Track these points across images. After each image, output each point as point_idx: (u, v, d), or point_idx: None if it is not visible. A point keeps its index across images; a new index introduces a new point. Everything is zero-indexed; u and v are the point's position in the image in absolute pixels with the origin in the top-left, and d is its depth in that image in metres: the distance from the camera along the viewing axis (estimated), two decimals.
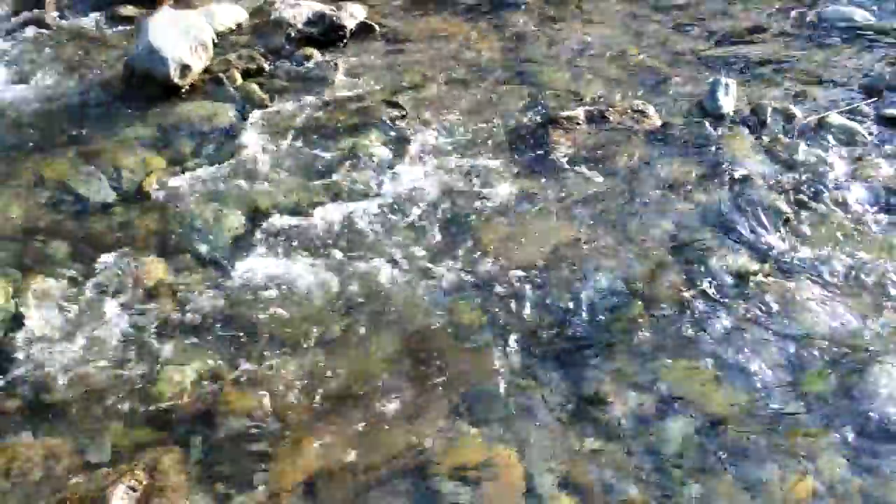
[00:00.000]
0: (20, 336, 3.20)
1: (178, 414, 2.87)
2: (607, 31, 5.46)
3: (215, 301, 3.31)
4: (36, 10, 6.25)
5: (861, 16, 5.53)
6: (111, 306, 3.32)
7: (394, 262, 3.44)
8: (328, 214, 3.74)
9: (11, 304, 3.37)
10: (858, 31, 5.34)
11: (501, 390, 2.89)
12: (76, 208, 3.92)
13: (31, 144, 4.46)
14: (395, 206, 3.77)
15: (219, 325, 3.21)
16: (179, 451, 2.73)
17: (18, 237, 3.76)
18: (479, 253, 3.48)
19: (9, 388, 3.00)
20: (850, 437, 2.68)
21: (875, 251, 3.42)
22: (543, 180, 3.90)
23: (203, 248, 3.61)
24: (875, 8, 5.69)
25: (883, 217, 3.62)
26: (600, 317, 3.16)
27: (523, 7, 5.87)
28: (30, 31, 5.93)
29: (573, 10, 5.80)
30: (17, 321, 3.27)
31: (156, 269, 3.50)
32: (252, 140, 4.30)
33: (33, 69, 5.29)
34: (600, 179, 3.90)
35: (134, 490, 2.59)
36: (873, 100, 4.48)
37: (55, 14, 6.19)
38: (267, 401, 2.87)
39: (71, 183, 4.08)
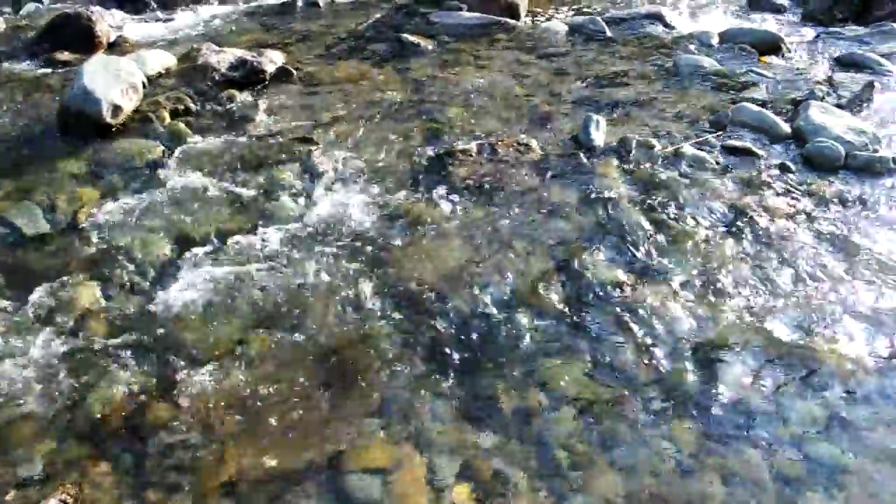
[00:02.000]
0: None
1: (107, 430, 2.69)
2: (497, 75, 5.49)
3: (143, 323, 3.15)
4: None
5: (709, 63, 5.72)
6: (45, 330, 3.11)
7: (309, 283, 3.34)
8: (248, 240, 3.61)
9: None
10: (707, 76, 5.52)
11: (406, 395, 2.82)
12: (12, 239, 3.68)
13: None
14: (310, 232, 3.67)
15: (147, 346, 3.04)
16: (109, 465, 2.57)
17: None
18: (386, 273, 3.41)
19: None
20: (708, 419, 2.71)
21: (722, 260, 3.50)
22: (442, 206, 3.87)
23: (132, 274, 3.43)
24: (720, 56, 5.91)
25: (728, 231, 3.71)
26: (493, 326, 3.14)
27: (425, 55, 5.88)
28: None
29: (468, 58, 5.83)
30: None
31: (88, 294, 3.30)
32: (179, 174, 4.13)
33: None
34: (492, 204, 3.88)
35: (65, 503, 2.43)
36: (719, 133, 4.62)
37: None
38: (192, 414, 2.74)
39: (7, 216, 3.83)
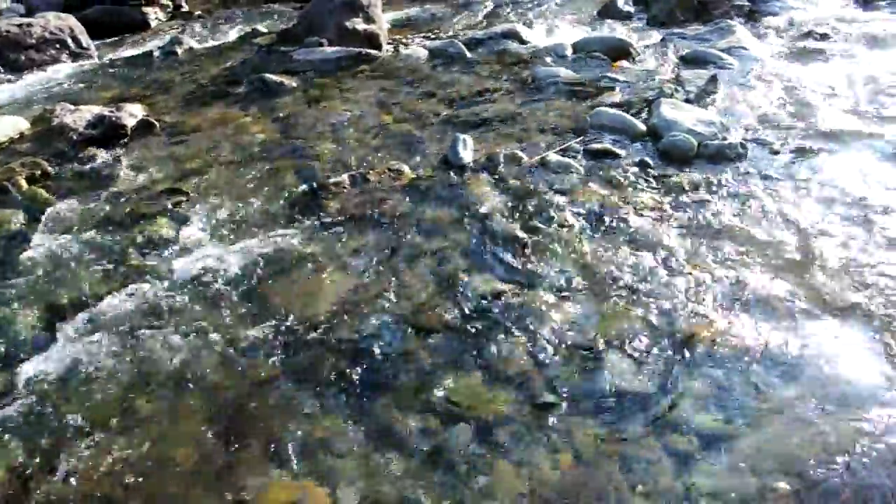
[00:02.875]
0: None
1: None
2: (364, 105, 5.58)
3: (14, 401, 3.00)
4: None
5: (565, 73, 6.01)
6: None
7: (192, 334, 3.28)
8: (123, 300, 3.51)
9: None
10: (564, 86, 5.79)
11: (304, 431, 2.81)
12: None
13: None
14: (188, 283, 3.60)
15: (24, 425, 2.90)
16: None
17: None
18: (271, 313, 3.39)
19: None
20: (600, 411, 2.83)
21: (594, 257, 3.67)
22: (321, 241, 3.88)
23: (1, 351, 3.27)
24: (575, 66, 6.22)
25: (596, 230, 3.89)
26: (383, 351, 3.17)
27: (290, 92, 5.90)
28: None
29: (333, 91, 5.89)
30: None
31: None
32: (41, 239, 3.97)
33: None
34: (369, 232, 3.93)
35: None
36: (580, 138, 4.84)
37: None
38: (81, 489, 2.62)
39: None
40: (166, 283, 3.61)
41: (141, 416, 2.91)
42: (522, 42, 7.08)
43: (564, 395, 2.91)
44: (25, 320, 3.42)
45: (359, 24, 7.40)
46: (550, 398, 2.91)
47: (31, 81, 6.73)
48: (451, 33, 7.71)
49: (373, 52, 6.98)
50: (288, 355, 3.17)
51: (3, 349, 3.27)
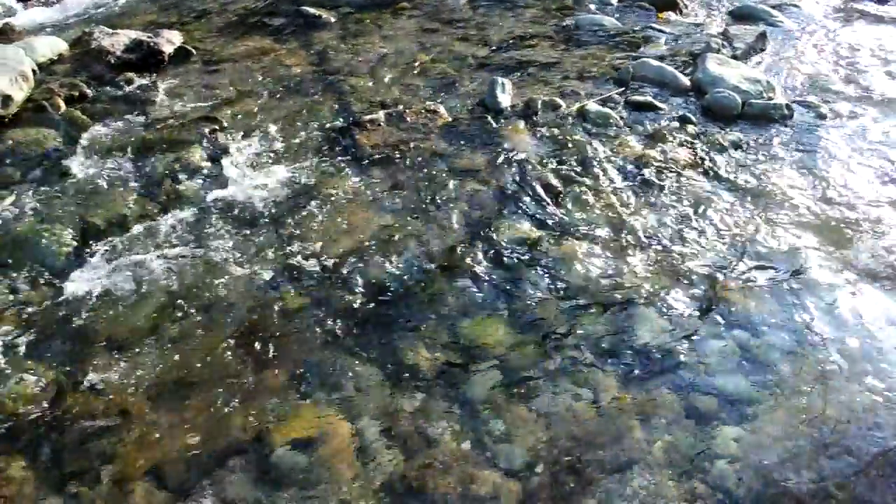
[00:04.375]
0: None
1: (23, 424, 2.65)
2: (402, 43, 5.50)
3: (55, 314, 3.08)
4: None
5: (609, 22, 5.88)
6: None
7: (223, 260, 3.33)
8: (157, 224, 3.56)
9: None
10: (607, 35, 5.67)
11: (327, 363, 2.87)
12: None
13: None
14: (220, 212, 3.64)
15: (60, 336, 2.99)
16: (26, 458, 2.54)
17: None
18: (300, 245, 3.42)
19: None
20: (625, 363, 2.85)
21: (630, 211, 3.65)
22: (353, 177, 3.89)
23: (39, 266, 3.34)
24: (618, 15, 6.07)
25: (633, 184, 3.86)
26: (410, 290, 3.20)
27: (327, 26, 5.83)
28: None
29: (371, 27, 5.81)
30: None
31: None
32: (79, 161, 4.02)
33: None
34: (402, 172, 3.92)
35: None
36: (622, 90, 4.76)
37: None
38: (110, 401, 2.71)
39: None
40: (199, 210, 3.65)
41: (169, 336, 2.99)
42: None
43: (590, 346, 2.93)
44: (64, 238, 3.49)
45: None
46: (577, 347, 2.92)
47: (69, 3, 6.70)
48: None
49: None
50: (316, 287, 3.21)
51: (43, 264, 3.35)
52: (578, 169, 3.93)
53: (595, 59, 5.24)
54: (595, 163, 3.98)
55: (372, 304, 3.13)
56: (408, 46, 5.45)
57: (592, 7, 6.31)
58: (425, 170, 3.94)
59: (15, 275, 3.32)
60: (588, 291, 3.18)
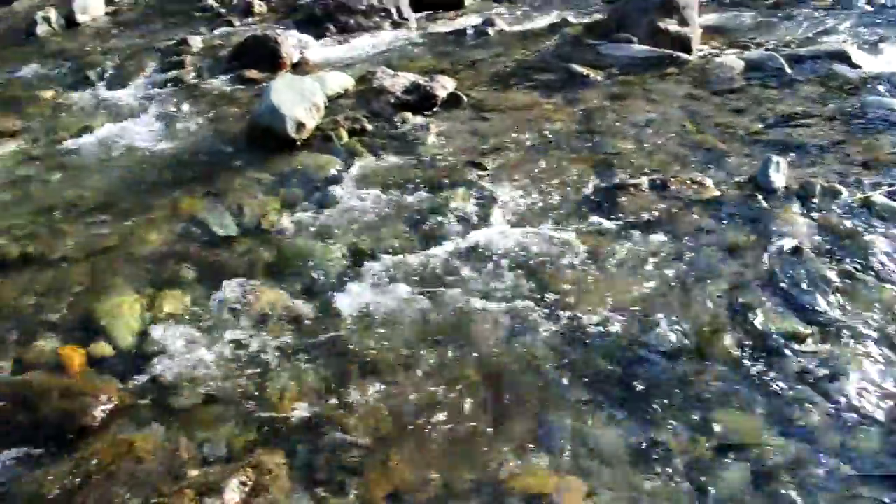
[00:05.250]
0: (152, 345, 3.31)
1: (283, 423, 2.90)
2: (668, 109, 5.44)
3: (320, 326, 3.37)
4: (177, 71, 6.55)
5: None
6: (230, 325, 3.40)
7: (476, 303, 3.44)
8: (418, 258, 3.77)
9: (147, 316, 3.48)
10: None
11: (569, 422, 2.85)
12: (204, 239, 4.06)
13: (169, 182, 4.66)
14: (478, 255, 3.78)
15: (322, 347, 3.25)
16: (284, 455, 2.76)
17: (155, 260, 3.90)
18: (553, 300, 3.45)
19: (140, 389, 3.09)
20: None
21: None
22: (611, 239, 3.87)
23: (310, 280, 3.67)
24: None
25: None
26: (661, 366, 3.10)
27: (594, 85, 5.91)
28: (171, 88, 6.22)
29: (637, 90, 5.80)
30: (151, 333, 3.38)
31: (269, 295, 3.57)
32: (355, 189, 4.39)
33: (173, 120, 5.54)
34: (663, 242, 3.83)
35: (245, 485, 2.62)
36: None
37: (192, 74, 6.47)
38: (362, 418, 2.89)
39: (201, 217, 4.23)
40: (459, 249, 3.82)
41: (420, 366, 3.13)
42: (852, 65, 6.45)
43: (859, 467, 2.65)
44: (334, 257, 3.81)
45: (671, 26, 7.21)
46: (843, 461, 2.66)
47: (356, 44, 7.39)
48: (769, 45, 7.26)
49: (683, 55, 6.76)
50: (562, 344, 3.21)
51: (314, 279, 3.68)
52: (860, 265, 3.61)
53: (883, 146, 4.83)
54: (880, 261, 3.64)
55: (620, 372, 3.07)
56: (674, 113, 5.37)
57: (882, 89, 5.84)
58: (687, 242, 3.82)
59: (289, 284, 3.67)
60: (862, 407, 2.88)
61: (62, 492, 2.66)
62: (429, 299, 3.47)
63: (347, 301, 3.50)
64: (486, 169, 4.56)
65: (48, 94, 6.43)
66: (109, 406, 3.00)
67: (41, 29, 8.25)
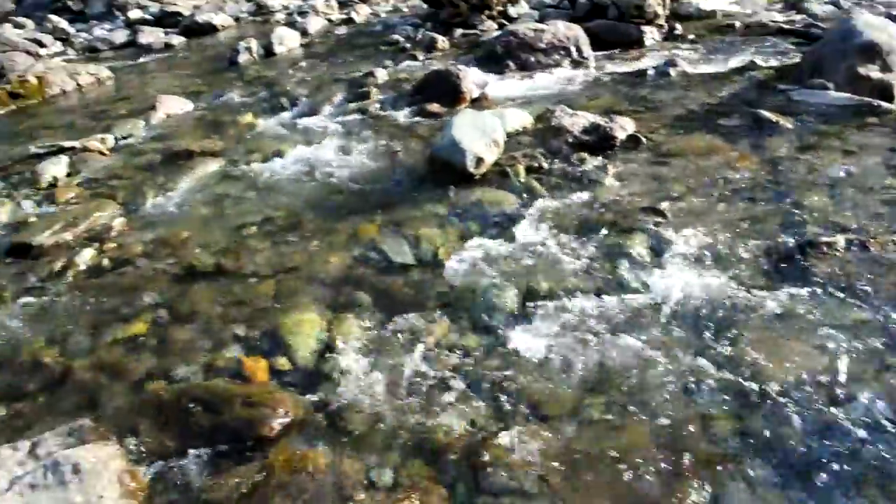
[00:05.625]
0: (328, 365, 3.45)
1: (447, 457, 2.92)
2: (867, 161, 5.06)
3: (488, 362, 3.38)
4: (362, 101, 6.89)
5: None
6: (402, 353, 3.49)
7: (650, 354, 3.33)
8: (592, 301, 3.71)
9: (325, 336, 3.64)
10: None
11: (748, 499, 2.67)
12: (381, 265, 4.21)
13: (350, 207, 4.89)
14: (654, 303, 3.66)
15: (489, 384, 3.26)
16: (446, 491, 2.78)
17: (334, 282, 4.08)
18: (734, 360, 3.27)
19: (314, 406, 3.23)
20: None
21: None
22: (801, 302, 3.61)
23: (482, 315, 3.71)
24: None
25: None
26: (854, 447, 2.84)
27: (783, 133, 5.62)
28: (356, 118, 6.55)
29: (831, 140, 5.45)
30: (328, 352, 3.53)
31: (441, 327, 3.64)
32: (530, 227, 4.40)
33: (356, 148, 5.82)
34: (861, 309, 3.53)
35: None
36: None
37: (377, 106, 6.79)
38: (525, 460, 2.86)
39: (379, 244, 4.39)
40: (633, 296, 3.72)
41: (586, 416, 3.05)
42: None
43: None
44: (506, 294, 3.82)
45: (873, 72, 6.73)
46: None
47: (535, 81, 7.48)
48: None
49: (884, 104, 6.29)
50: (742, 408, 3.03)
51: (486, 314, 3.71)
52: None
53: None
54: None
55: (807, 447, 2.84)
56: (874, 166, 4.99)
57: None
58: (889, 312, 3.51)
59: (459, 317, 3.72)
60: None
61: (239, 496, 2.81)
62: (601, 345, 3.40)
63: (517, 339, 3.49)
64: (664, 216, 4.43)
65: (246, 118, 6.97)
66: (286, 419, 3.15)
67: (242, 58, 8.99)
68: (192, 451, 3.04)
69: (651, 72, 7.57)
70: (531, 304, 3.73)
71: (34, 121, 7.81)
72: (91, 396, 3.44)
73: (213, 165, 5.88)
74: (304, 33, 9.74)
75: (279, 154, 5.94)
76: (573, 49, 8.34)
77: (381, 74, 7.53)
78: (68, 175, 6.02)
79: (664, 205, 4.56)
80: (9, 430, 3.27)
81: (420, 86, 7.05)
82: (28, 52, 10.21)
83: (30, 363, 3.70)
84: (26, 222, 5.22)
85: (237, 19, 11.43)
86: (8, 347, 3.84)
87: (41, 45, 10.91)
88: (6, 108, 8.28)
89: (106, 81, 8.95)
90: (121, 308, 4.08)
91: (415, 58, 8.26)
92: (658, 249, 4.10)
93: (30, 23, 12.60)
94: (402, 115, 6.51)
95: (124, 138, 6.82)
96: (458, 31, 9.18)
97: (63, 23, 12.22)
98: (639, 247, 4.13)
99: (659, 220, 4.38)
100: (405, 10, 10.78)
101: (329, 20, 10.51)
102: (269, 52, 9.14)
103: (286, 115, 6.91)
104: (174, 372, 3.53)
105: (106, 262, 4.59)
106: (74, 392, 3.49)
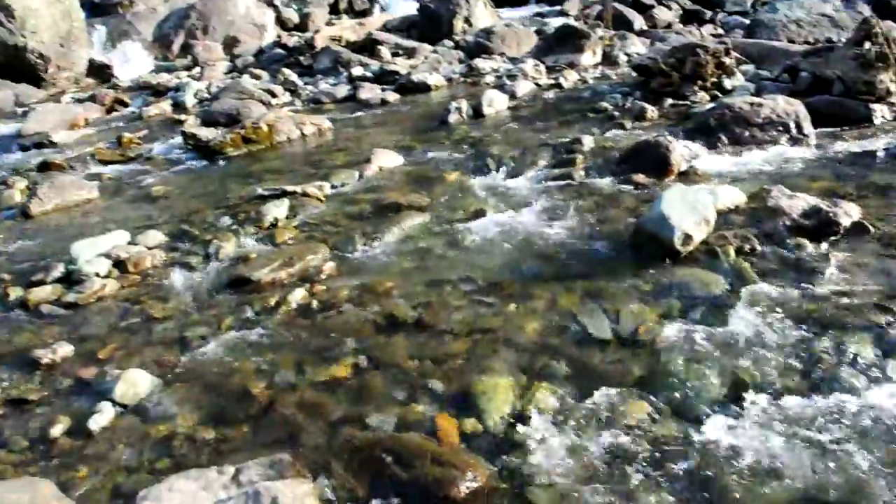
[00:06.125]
0: (519, 433, 3.44)
1: None
2: None
3: (685, 452, 3.22)
4: (567, 168, 6.94)
5: None
6: (595, 430, 3.41)
7: (871, 475, 3.01)
8: (805, 402, 3.44)
9: (518, 404, 3.64)
10: None
11: None
12: (578, 337, 4.16)
13: (550, 274, 4.90)
14: (877, 414, 3.33)
15: (686, 476, 3.10)
16: None
17: (530, 349, 4.09)
18: None
19: (501, 475, 3.23)
20: None
21: None
22: None
23: (681, 401, 3.55)
24: None
25: None
26: None
27: None
28: (560, 183, 6.60)
29: None
30: (520, 421, 3.52)
31: (638, 407, 3.53)
32: (739, 312, 4.18)
33: (560, 213, 5.85)
34: None
35: None
36: None
37: (582, 173, 6.81)
38: None
39: (577, 314, 4.35)
40: (854, 403, 3.41)
41: None
42: None
43: None
44: (709, 382, 3.64)
45: None
46: None
47: (748, 157, 7.14)
48: None
49: None
50: None
51: (685, 401, 3.56)
52: None
53: None
54: None
55: None
56: None
57: None
58: None
59: (657, 400, 3.58)
60: None
61: None
62: (815, 454, 3.13)
63: (720, 433, 3.31)
64: (895, 313, 4.04)
65: (453, 176, 7.23)
66: (475, 484, 3.17)
67: (452, 118, 9.38)
68: (379, 501, 3.13)
69: (881, 153, 7.00)
70: (737, 397, 3.52)
71: (262, 164, 8.57)
72: (291, 431, 3.66)
73: (418, 219, 6.13)
74: (512, 96, 9.99)
75: (482, 213, 6.09)
76: (792, 125, 7.91)
77: (588, 141, 7.54)
78: (287, 217, 6.53)
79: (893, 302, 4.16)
80: (215, 454, 3.55)
81: (627, 155, 6.98)
82: (261, 101, 11.32)
83: (239, 391, 4.01)
84: (248, 258, 5.69)
85: (449, 80, 11.94)
86: (221, 373, 4.18)
87: (273, 94, 12.00)
88: (239, 151, 9.15)
89: (327, 132, 9.65)
90: (325, 349, 4.32)
91: (622, 126, 8.19)
92: (888, 353, 3.73)
93: (265, 74, 13.94)
94: (607, 184, 6.46)
95: (340, 186, 7.30)
96: (668, 101, 9.00)
97: (293, 76, 13.39)
98: (865, 348, 3.78)
99: (890, 319, 3.99)
100: (614, 77, 10.76)
101: (537, 84, 10.69)
102: (477, 112, 9.46)
103: (491, 176, 7.08)
104: (369, 419, 3.67)
105: (315, 303, 4.90)
106: (276, 425, 3.73)
